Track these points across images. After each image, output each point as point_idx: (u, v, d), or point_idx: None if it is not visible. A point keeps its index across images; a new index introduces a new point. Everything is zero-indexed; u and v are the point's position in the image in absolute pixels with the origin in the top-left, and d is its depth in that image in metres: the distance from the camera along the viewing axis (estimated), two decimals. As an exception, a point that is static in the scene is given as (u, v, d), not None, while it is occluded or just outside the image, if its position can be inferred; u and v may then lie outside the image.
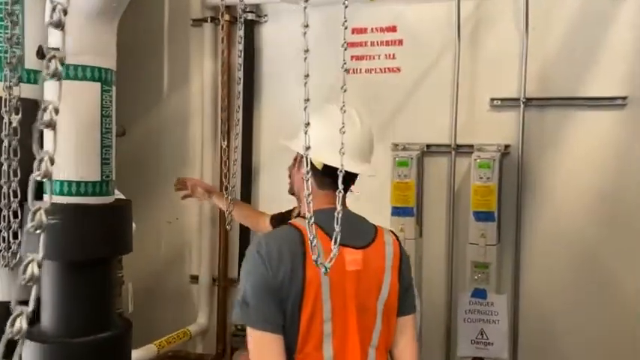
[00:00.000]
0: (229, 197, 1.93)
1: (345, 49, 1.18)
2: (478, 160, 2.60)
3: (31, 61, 1.76)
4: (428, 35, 2.84)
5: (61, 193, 1.68)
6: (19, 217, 1.69)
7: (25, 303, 0.63)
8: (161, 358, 2.83)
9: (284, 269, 1.29)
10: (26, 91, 1.76)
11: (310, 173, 1.13)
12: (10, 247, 1.71)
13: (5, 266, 1.71)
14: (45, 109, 0.60)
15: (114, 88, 1.77)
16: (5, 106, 1.64)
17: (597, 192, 2.65)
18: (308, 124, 1.11)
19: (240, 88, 1.82)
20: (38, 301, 1.73)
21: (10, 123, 1.62)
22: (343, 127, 1.16)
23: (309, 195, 1.10)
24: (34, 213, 0.61)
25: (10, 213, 1.68)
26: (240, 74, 1.80)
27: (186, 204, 2.97)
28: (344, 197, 1.24)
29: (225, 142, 1.92)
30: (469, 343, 2.65)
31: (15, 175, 1.67)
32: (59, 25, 0.63)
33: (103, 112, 1.73)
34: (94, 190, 1.71)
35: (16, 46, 1.65)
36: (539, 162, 2.71)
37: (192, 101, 3.29)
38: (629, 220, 2.60)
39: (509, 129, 2.72)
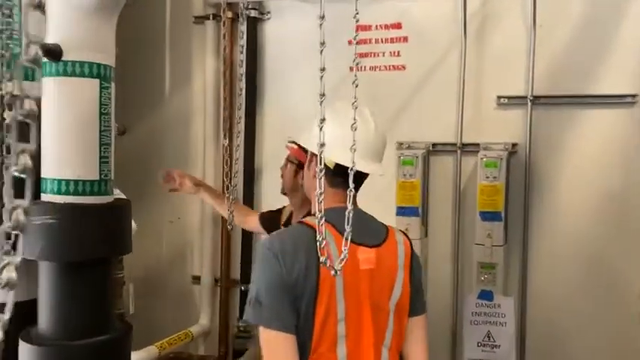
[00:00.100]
0: (230, 196, 1.89)
1: (356, 42, 1.15)
2: (485, 159, 2.57)
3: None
4: (433, 32, 2.81)
5: (59, 193, 1.64)
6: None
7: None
8: (162, 359, 2.80)
9: (298, 267, 1.26)
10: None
11: (321, 172, 1.12)
12: (2, 247, 1.67)
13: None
14: (22, 100, 0.55)
15: (113, 85, 1.73)
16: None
17: (606, 191, 2.61)
18: (324, 119, 1.10)
19: (243, 84, 1.79)
20: (35, 302, 1.69)
21: (4, 119, 1.58)
22: (355, 123, 1.14)
23: (321, 194, 1.09)
24: (11, 212, 0.57)
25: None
26: (242, 70, 1.76)
27: (188, 203, 2.95)
28: (354, 196, 1.24)
29: (227, 141, 1.88)
30: (475, 345, 2.61)
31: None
32: (39, 7, 0.58)
33: (102, 110, 1.69)
34: (92, 189, 1.67)
35: (9, 40, 1.61)
36: (547, 161, 2.68)
37: (194, 100, 3.27)
38: (639, 220, 2.56)
39: (517, 127, 2.69)
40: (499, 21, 2.72)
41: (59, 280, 1.63)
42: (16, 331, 1.65)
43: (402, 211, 2.67)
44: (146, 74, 3.29)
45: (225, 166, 1.87)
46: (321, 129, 1.09)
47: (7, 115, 1.54)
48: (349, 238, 1.12)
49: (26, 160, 0.61)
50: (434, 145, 2.79)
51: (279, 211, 2.20)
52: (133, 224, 2.84)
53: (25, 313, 1.70)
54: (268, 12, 3.07)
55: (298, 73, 2.98)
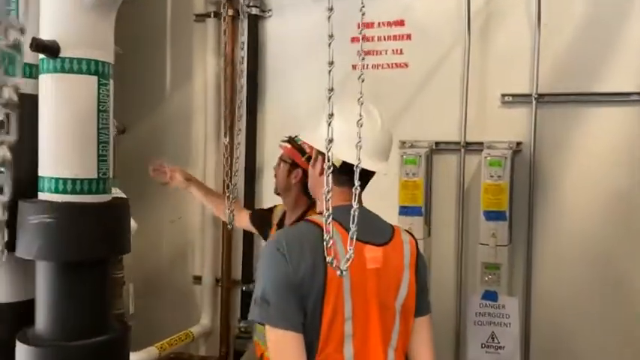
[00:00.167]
0: (231, 195, 1.87)
1: (362, 35, 1.15)
2: (489, 158, 2.55)
3: (27, 55, 1.70)
4: (437, 29, 2.79)
5: (56, 191, 1.62)
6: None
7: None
8: (163, 360, 2.78)
9: (305, 265, 1.25)
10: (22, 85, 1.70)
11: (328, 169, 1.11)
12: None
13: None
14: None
15: (111, 82, 1.71)
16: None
17: (612, 191, 2.58)
18: (332, 114, 1.08)
19: (244, 82, 1.76)
20: (32, 302, 1.67)
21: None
22: (361, 119, 1.14)
23: (329, 192, 1.08)
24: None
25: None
26: (242, 67, 1.74)
27: (189, 203, 2.93)
28: (360, 194, 1.24)
29: (227, 139, 1.86)
30: (479, 346, 2.58)
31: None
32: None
33: (100, 107, 1.66)
34: (89, 188, 1.64)
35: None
36: (552, 160, 2.65)
37: (195, 98, 3.26)
38: (646, 220, 2.52)
39: (521, 126, 2.66)
40: (503, 18, 2.70)
41: (56, 280, 1.61)
42: (12, 331, 1.64)
43: (404, 211, 2.65)
44: (147, 72, 3.28)
45: (226, 165, 1.85)
46: (329, 124, 1.08)
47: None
48: (354, 237, 1.10)
49: (5, 152, 0.58)
50: (437, 143, 2.77)
51: (270, 209, 2.19)
52: (133, 223, 2.83)
53: (22, 314, 1.68)
54: (270, 9, 3.06)
55: (300, 70, 2.97)
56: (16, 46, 0.57)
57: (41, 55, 1.60)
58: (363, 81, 1.14)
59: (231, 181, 1.85)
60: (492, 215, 2.54)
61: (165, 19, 3.29)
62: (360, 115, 1.16)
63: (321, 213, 1.34)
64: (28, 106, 1.65)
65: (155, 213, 3.24)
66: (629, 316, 2.55)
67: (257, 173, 3.11)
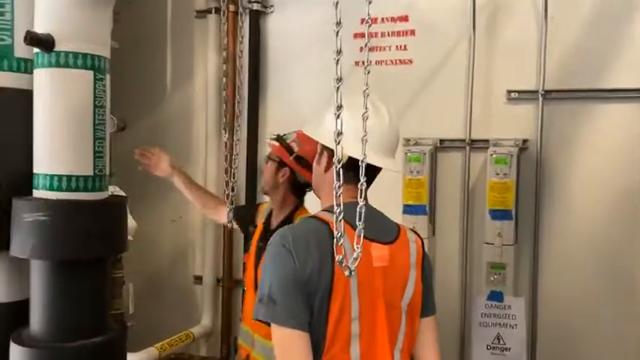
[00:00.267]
0: (230, 193, 1.83)
1: (369, 25, 1.13)
2: (494, 156, 2.51)
3: (20, 50, 1.67)
4: (441, 25, 2.75)
5: (51, 188, 1.59)
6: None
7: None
8: (163, 360, 2.75)
9: (311, 263, 1.22)
10: (16, 80, 1.67)
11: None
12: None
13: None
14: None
15: (108, 77, 1.68)
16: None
17: (621, 189, 2.54)
18: (341, 106, 1.07)
19: (243, 77, 1.72)
20: (27, 302, 1.64)
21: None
22: (366, 112, 1.12)
23: (339, 187, 1.06)
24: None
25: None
26: (242, 62, 1.70)
27: (190, 202, 2.88)
28: (365, 191, 1.23)
29: (227, 135, 1.82)
30: (485, 348, 2.55)
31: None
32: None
33: (96, 102, 1.64)
34: (85, 185, 1.61)
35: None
36: (559, 157, 2.61)
37: (196, 95, 3.24)
38: (656, 219, 2.49)
39: (527, 123, 2.63)
40: (509, 13, 2.66)
41: (51, 280, 1.59)
42: (7, 332, 1.61)
43: (408, 209, 2.63)
44: (147, 69, 3.26)
45: (225, 162, 1.81)
46: (337, 116, 1.05)
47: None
48: (362, 234, 1.08)
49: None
50: (442, 141, 2.74)
51: (255, 207, 2.16)
52: (133, 222, 2.81)
53: (17, 314, 1.65)
54: (271, 5, 3.04)
55: (302, 66, 2.94)
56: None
57: (36, 49, 1.57)
58: (369, 72, 1.12)
59: (230, 178, 1.81)
60: (498, 214, 2.51)
61: (165, 16, 3.26)
62: (366, 108, 1.13)
63: (327, 210, 1.32)
64: (22, 102, 1.62)
65: (156, 212, 3.22)
66: (638, 318, 2.51)
67: (259, 170, 3.08)
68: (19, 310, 1.67)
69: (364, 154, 1.11)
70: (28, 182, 1.62)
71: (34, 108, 1.61)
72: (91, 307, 1.65)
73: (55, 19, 1.56)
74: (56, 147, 1.59)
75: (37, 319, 1.61)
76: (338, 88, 1.08)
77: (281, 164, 1.89)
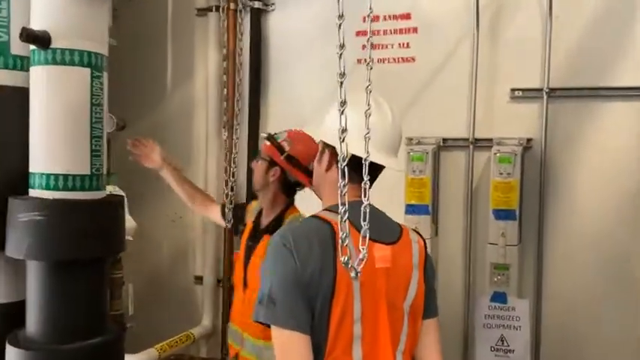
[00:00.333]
0: (230, 193, 1.80)
1: (371, 19, 1.11)
2: (498, 155, 2.49)
3: (17, 47, 1.65)
4: (445, 22, 2.73)
5: (47, 188, 1.58)
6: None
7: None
8: (163, 362, 2.73)
9: (313, 263, 1.19)
10: (12, 78, 1.66)
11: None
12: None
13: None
14: None
15: (105, 75, 1.66)
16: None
17: (627, 189, 2.51)
18: (344, 102, 1.04)
19: (242, 75, 1.69)
20: (22, 304, 1.62)
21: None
22: (369, 108, 1.10)
23: (344, 185, 1.04)
24: None
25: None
26: (242, 60, 1.67)
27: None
28: (367, 190, 1.22)
29: (226, 134, 1.79)
30: (488, 350, 2.53)
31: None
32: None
33: (93, 100, 1.62)
34: (82, 184, 1.59)
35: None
36: (564, 157, 2.59)
37: (196, 94, 3.22)
38: (662, 220, 2.46)
39: (532, 121, 2.60)
40: (513, 11, 2.63)
41: (48, 280, 1.57)
42: (3, 333, 1.59)
43: (411, 209, 2.60)
44: (147, 68, 3.24)
45: (224, 161, 1.78)
46: (342, 112, 1.03)
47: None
48: (367, 235, 1.06)
49: None
50: (445, 140, 2.72)
51: (244, 206, 2.14)
52: (132, 222, 2.79)
53: (13, 315, 1.63)
54: (272, 3, 3.01)
55: (303, 64, 2.92)
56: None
57: (32, 47, 1.55)
58: (371, 68, 1.10)
59: (229, 177, 1.78)
60: (502, 214, 2.49)
61: (166, 13, 3.24)
62: (369, 105, 1.11)
63: (328, 210, 1.29)
64: (18, 100, 1.61)
65: (156, 212, 3.20)
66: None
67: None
68: (16, 311, 1.65)
69: (367, 152, 1.09)
70: (25, 181, 1.60)
71: (30, 106, 1.59)
72: (88, 308, 1.63)
73: (52, 15, 1.54)
74: (52, 146, 1.57)
75: (33, 321, 1.60)
76: (342, 83, 1.05)
77: (272, 163, 1.88)
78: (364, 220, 1.08)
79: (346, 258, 1.05)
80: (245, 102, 2.97)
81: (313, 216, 1.30)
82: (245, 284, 1.91)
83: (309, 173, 1.88)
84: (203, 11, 3.12)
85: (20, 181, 1.60)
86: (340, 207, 1.07)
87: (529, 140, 2.59)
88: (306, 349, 1.19)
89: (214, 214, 2.18)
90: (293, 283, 1.18)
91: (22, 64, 1.66)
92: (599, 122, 2.54)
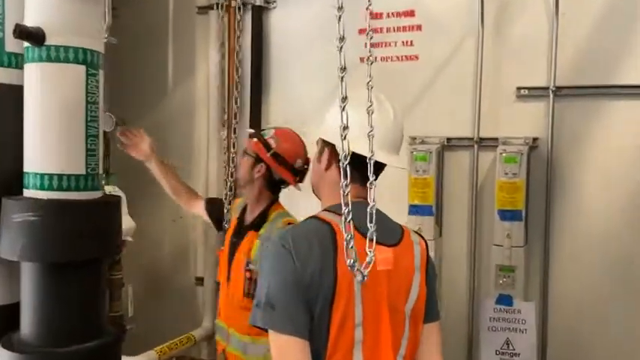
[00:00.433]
0: (228, 193, 1.78)
1: (369, 13, 1.08)
2: (504, 155, 2.47)
3: (11, 44, 1.62)
4: (449, 20, 2.70)
5: (41, 188, 1.55)
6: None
7: None
8: (163, 364, 2.70)
9: (313, 266, 1.16)
10: (7, 76, 1.63)
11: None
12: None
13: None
14: None
15: (101, 72, 1.62)
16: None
17: (634, 189, 2.47)
18: (345, 98, 1.03)
19: (241, 73, 1.66)
20: (17, 306, 1.59)
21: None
22: (371, 105, 1.08)
23: (347, 185, 1.03)
24: None
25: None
26: (240, 57, 1.64)
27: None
28: (366, 189, 1.21)
29: (225, 133, 1.77)
30: (494, 353, 2.50)
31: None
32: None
33: (89, 98, 1.58)
34: (77, 184, 1.56)
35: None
36: (570, 156, 2.56)
37: (197, 92, 3.22)
38: (672, 220, 2.43)
39: (538, 120, 2.58)
40: (519, 7, 2.61)
41: (42, 282, 1.54)
42: (-2, 336, 1.56)
43: (414, 210, 2.58)
44: (148, 66, 3.24)
45: (224, 161, 1.75)
46: (343, 109, 1.01)
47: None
48: (374, 238, 1.04)
49: None
50: (449, 139, 2.70)
51: (229, 201, 2.17)
52: (132, 223, 2.76)
53: (7, 317, 1.60)
54: (274, 1, 3.00)
55: (305, 62, 2.91)
56: None
57: (26, 44, 1.52)
58: (371, 63, 1.06)
59: (228, 177, 1.76)
60: (507, 215, 2.46)
61: (167, 12, 3.24)
62: (370, 102, 1.08)
63: (328, 210, 1.26)
64: (13, 98, 1.58)
65: (156, 212, 3.18)
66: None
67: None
68: (10, 313, 1.62)
69: (371, 151, 1.07)
70: (19, 181, 1.57)
71: (25, 104, 1.56)
72: (83, 310, 1.60)
73: (46, 11, 1.51)
74: (47, 145, 1.54)
75: (27, 323, 1.57)
76: (342, 78, 1.03)
77: (257, 160, 1.90)
78: (371, 222, 1.06)
79: (352, 261, 1.02)
80: (246, 100, 2.96)
81: (312, 217, 1.26)
82: (229, 279, 1.94)
83: (294, 171, 1.93)
84: (204, 9, 3.12)
85: (15, 181, 1.58)
86: (343, 207, 1.04)
87: (535, 139, 2.56)
88: (305, 355, 1.16)
89: (199, 210, 2.20)
90: (292, 286, 1.16)
91: (17, 61, 1.64)
92: (606, 121, 2.51)
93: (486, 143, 2.63)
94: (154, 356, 2.60)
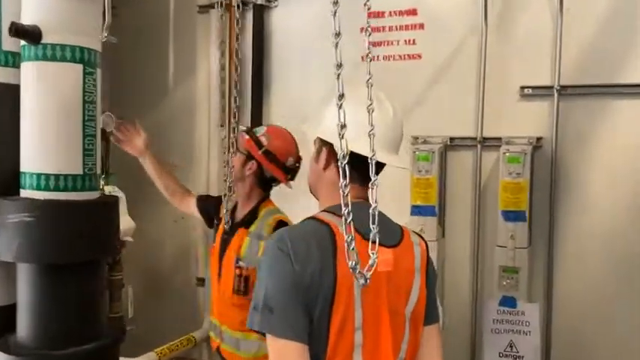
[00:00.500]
0: (227, 193, 1.76)
1: (369, 9, 1.05)
2: (507, 154, 2.45)
3: (8, 43, 1.60)
4: (452, 18, 2.68)
5: (38, 188, 1.53)
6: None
7: None
8: (163, 366, 2.68)
9: (312, 268, 1.14)
10: (4, 75, 1.62)
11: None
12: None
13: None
14: None
15: (98, 71, 1.61)
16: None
17: (639, 189, 2.44)
18: (342, 95, 1.00)
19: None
20: (14, 308, 1.57)
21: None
22: (372, 103, 1.06)
23: (346, 185, 1.01)
24: None
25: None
26: (238, 56, 1.62)
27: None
28: (366, 190, 1.21)
29: (224, 133, 1.75)
30: (497, 356, 2.48)
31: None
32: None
33: (86, 98, 1.57)
34: (74, 184, 1.55)
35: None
36: (575, 156, 2.54)
37: (198, 92, 3.21)
38: (677, 221, 2.40)
39: (542, 120, 2.55)
40: (522, 4, 2.58)
41: (39, 283, 1.53)
42: (-6, 338, 1.55)
43: (417, 210, 2.56)
44: (149, 66, 3.23)
45: (223, 161, 1.74)
46: (340, 106, 0.98)
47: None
48: (377, 240, 1.02)
49: None
50: (452, 139, 2.68)
51: (219, 199, 2.15)
52: (132, 223, 2.74)
53: (3, 319, 1.59)
54: (276, -1, 2.99)
55: (307, 61, 2.89)
56: None
57: (23, 42, 1.50)
58: (370, 60, 1.04)
59: (228, 176, 1.74)
60: (511, 215, 2.44)
61: (167, 11, 3.23)
62: (371, 100, 1.06)
63: (326, 211, 1.24)
64: (10, 97, 1.56)
65: (157, 212, 3.16)
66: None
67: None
68: (7, 315, 1.60)
69: (373, 150, 1.05)
70: (17, 181, 1.55)
71: (21, 103, 1.55)
72: (81, 312, 1.58)
73: (42, 10, 1.50)
74: (43, 144, 1.53)
75: (24, 325, 1.56)
76: (339, 75, 1.00)
77: (249, 157, 1.90)
78: (373, 224, 1.04)
79: (354, 263, 1.00)
80: (247, 100, 2.95)
81: (310, 218, 1.24)
82: (220, 277, 1.94)
83: (285, 169, 1.93)
84: (205, 8, 3.11)
85: (13, 181, 1.56)
86: (343, 208, 1.01)
87: (539, 139, 2.54)
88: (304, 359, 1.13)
89: (190, 207, 2.20)
90: (291, 289, 1.13)
91: (14, 60, 1.62)
92: (611, 120, 2.48)
93: (490, 143, 2.61)
94: (154, 357, 2.58)
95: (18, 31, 1.45)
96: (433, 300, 1.37)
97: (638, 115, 2.44)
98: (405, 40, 2.74)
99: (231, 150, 1.73)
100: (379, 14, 2.75)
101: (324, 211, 1.26)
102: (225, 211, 1.76)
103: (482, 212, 2.64)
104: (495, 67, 2.60)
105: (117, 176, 2.83)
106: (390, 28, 2.75)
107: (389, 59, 2.75)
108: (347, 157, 1.01)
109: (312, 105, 2.75)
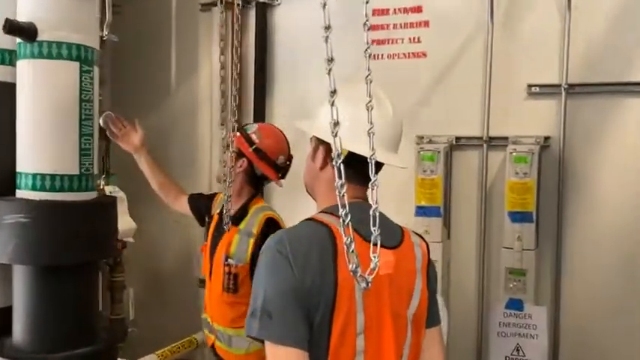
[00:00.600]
0: (227, 194, 1.73)
1: (368, 2, 1.01)
2: (514, 154, 2.41)
3: (4, 40, 1.58)
4: (457, 15, 2.64)
5: (34, 188, 1.51)
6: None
7: None
8: (165, 368, 2.65)
9: (312, 271, 1.11)
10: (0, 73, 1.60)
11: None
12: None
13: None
14: None
15: (96, 69, 1.58)
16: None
17: (650, 190, 2.41)
18: (334, 91, 0.97)
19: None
20: (10, 310, 1.55)
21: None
22: (370, 100, 1.02)
23: (342, 185, 0.97)
24: None
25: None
26: (240, 54, 1.58)
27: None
28: (365, 190, 1.19)
29: (224, 132, 1.72)
30: (503, 359, 2.44)
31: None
32: None
33: (83, 96, 1.54)
34: (71, 184, 1.52)
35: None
36: (583, 155, 2.50)
37: (200, 91, 3.18)
38: (688, 222, 2.36)
39: (549, 119, 2.51)
40: (529, 2, 2.54)
41: (34, 285, 1.51)
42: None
43: (421, 211, 2.52)
44: (151, 65, 3.21)
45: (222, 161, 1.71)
46: (332, 104, 0.95)
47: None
48: (378, 242, 0.99)
49: None
50: (457, 138, 2.64)
51: (211, 197, 2.18)
52: (133, 223, 2.71)
53: (2, 320, 1.56)
54: (278, -3, 2.97)
55: (310, 59, 2.85)
56: None
57: (19, 40, 1.48)
58: (369, 56, 1.01)
59: (227, 176, 1.71)
60: (518, 216, 2.41)
61: (170, 9, 3.21)
62: (370, 97, 1.02)
63: (325, 212, 1.20)
64: (7, 96, 1.54)
65: (158, 213, 3.11)
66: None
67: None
68: (3, 317, 1.58)
69: (372, 149, 1.01)
70: (12, 181, 1.53)
71: (17, 102, 1.52)
72: (77, 315, 1.56)
73: (38, 6, 1.48)
74: (39, 144, 1.51)
75: (19, 328, 1.54)
76: (330, 70, 0.97)
77: (240, 154, 1.89)
78: (374, 225, 1.00)
79: (354, 266, 0.96)
80: (250, 98, 2.92)
81: (308, 219, 1.20)
82: (211, 275, 1.97)
83: (276, 167, 1.92)
84: (207, 6, 3.08)
85: (8, 181, 1.54)
86: (340, 209, 0.98)
87: (547, 139, 2.50)
88: None
89: (182, 206, 2.20)
90: (290, 294, 1.09)
91: (11, 58, 1.60)
92: (620, 119, 2.44)
93: (496, 142, 2.57)
94: (155, 360, 2.55)
95: (13, 28, 1.42)
96: (434, 302, 1.33)
97: (647, 114, 2.39)
98: (410, 38, 2.71)
99: (230, 149, 1.70)
100: (383, 12, 2.72)
101: (322, 211, 1.23)
102: (225, 211, 1.73)
103: (489, 213, 2.60)
104: (502, 66, 2.56)
105: (118, 176, 2.80)
106: (395, 26, 2.72)
107: (393, 57, 2.72)
108: (342, 157, 0.98)
109: (315, 103, 2.71)
